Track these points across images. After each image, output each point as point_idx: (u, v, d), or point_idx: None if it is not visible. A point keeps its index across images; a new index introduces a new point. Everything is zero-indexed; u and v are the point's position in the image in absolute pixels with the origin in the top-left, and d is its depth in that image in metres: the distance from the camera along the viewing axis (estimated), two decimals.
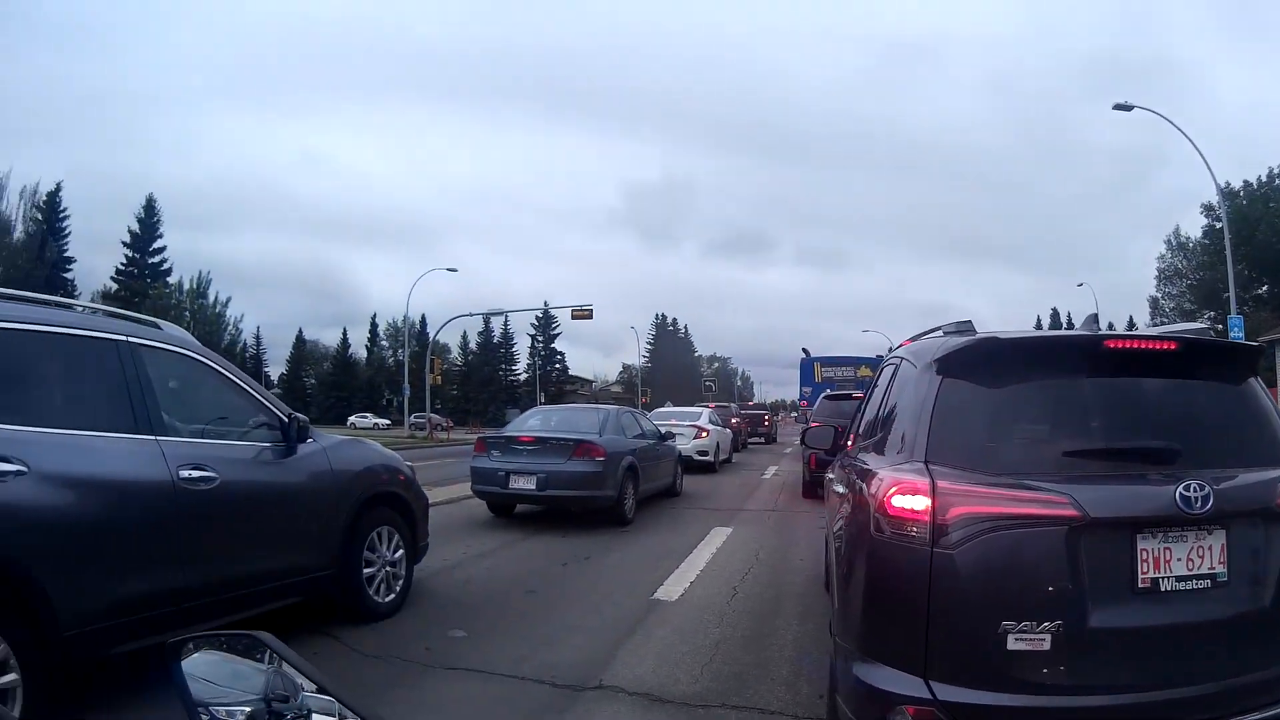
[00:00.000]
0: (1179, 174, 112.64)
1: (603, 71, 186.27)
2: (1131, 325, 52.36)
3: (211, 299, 53.11)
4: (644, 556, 8.10)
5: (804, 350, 26.54)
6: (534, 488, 9.59)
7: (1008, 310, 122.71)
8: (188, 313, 41.88)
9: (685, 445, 17.32)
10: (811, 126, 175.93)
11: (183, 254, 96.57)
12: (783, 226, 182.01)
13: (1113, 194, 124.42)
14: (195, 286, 52.27)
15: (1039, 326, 73.48)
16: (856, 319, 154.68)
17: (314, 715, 1.22)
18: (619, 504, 9.97)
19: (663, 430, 13.22)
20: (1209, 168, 23.94)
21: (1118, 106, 23.74)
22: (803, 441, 13.29)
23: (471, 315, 51.43)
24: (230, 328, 45.41)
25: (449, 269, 50.41)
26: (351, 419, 67.94)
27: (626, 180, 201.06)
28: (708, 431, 18.66)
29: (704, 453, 18.28)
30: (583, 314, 44.83)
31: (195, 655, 1.30)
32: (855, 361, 25.20)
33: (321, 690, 1.25)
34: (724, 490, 14.85)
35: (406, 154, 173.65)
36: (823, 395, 13.35)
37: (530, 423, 11.55)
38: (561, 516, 10.23)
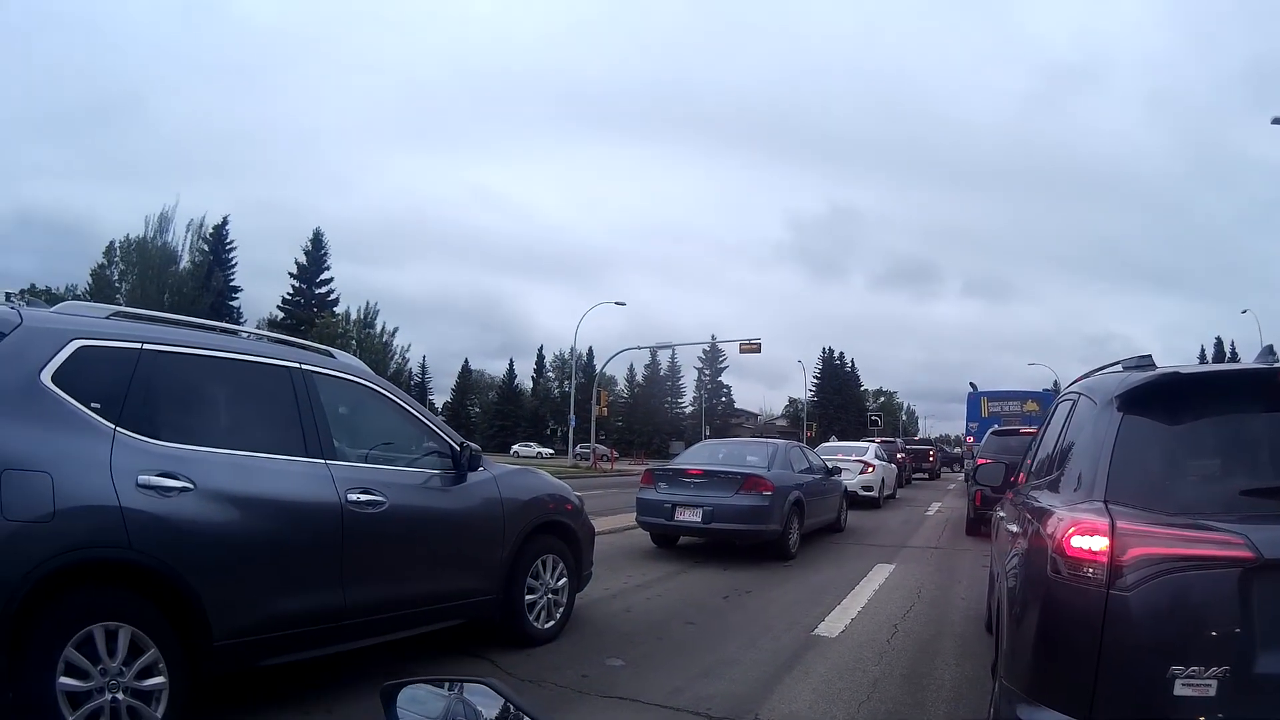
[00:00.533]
0: None
1: (767, 104, 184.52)
2: None
3: (379, 329, 55.51)
4: (805, 591, 8.05)
5: (971, 384, 25.65)
6: (699, 520, 9.70)
7: (1169, 340, 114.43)
8: (354, 341, 43.96)
9: (850, 480, 17.01)
10: (973, 154, 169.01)
11: (352, 285, 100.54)
12: (946, 256, 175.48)
13: (1276, 213, 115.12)
14: (362, 316, 54.80)
15: (1202, 357, 72.89)
16: (1021, 351, 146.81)
17: None
18: (783, 539, 9.94)
19: (829, 465, 13.10)
20: None
21: (1276, 121, 21.91)
22: (971, 478, 12.86)
23: (639, 349, 52.18)
24: (397, 357, 47.44)
25: (617, 303, 50.18)
26: (515, 447, 68.93)
27: (792, 211, 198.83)
28: (873, 467, 18.27)
29: (869, 488, 17.88)
30: (751, 348, 44.78)
31: (408, 692, 1.32)
32: (1022, 396, 24.04)
33: None
34: (888, 526, 14.55)
35: (574, 189, 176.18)
36: (990, 431, 12.90)
37: (698, 456, 11.68)
38: (724, 549, 10.29)
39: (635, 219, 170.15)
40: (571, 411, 49.06)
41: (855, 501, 15.85)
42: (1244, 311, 58.84)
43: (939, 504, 19.49)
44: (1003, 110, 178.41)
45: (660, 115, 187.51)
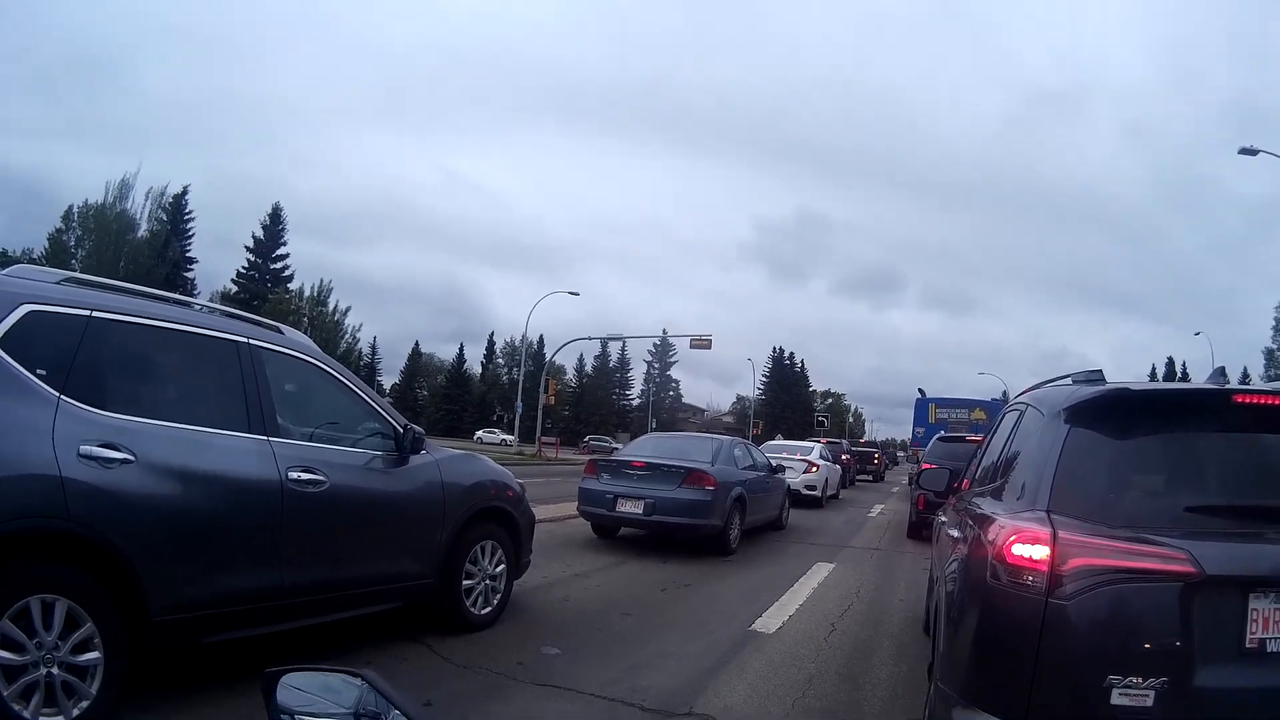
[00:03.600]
0: None
1: (744, 107, 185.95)
2: (1245, 377, 48.74)
3: (331, 307, 54.61)
4: (744, 587, 8.05)
5: (919, 390, 25.83)
6: (641, 512, 9.65)
7: (1124, 359, 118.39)
8: (306, 319, 43.32)
9: (794, 479, 17.12)
10: (947, 170, 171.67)
11: (316, 263, 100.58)
12: (912, 268, 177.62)
13: (1241, 246, 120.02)
14: (315, 294, 53.93)
15: (1153, 376, 75.37)
16: (973, 362, 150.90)
17: None
18: (724, 534, 9.94)
19: (773, 463, 13.15)
20: None
21: (1243, 151, 22.68)
22: (915, 482, 13.01)
23: (590, 339, 51.85)
24: (348, 336, 46.73)
25: (571, 293, 50.11)
26: (479, 434, 68.58)
27: (758, 215, 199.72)
28: (817, 466, 18.42)
29: (812, 488, 18.05)
30: (701, 343, 44.84)
31: (291, 679, 1.31)
32: (970, 404, 24.27)
33: None
34: (829, 526, 14.65)
35: (545, 179, 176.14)
36: (936, 437, 13.03)
37: (643, 448, 11.58)
38: (665, 543, 10.25)
39: (602, 213, 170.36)
40: (519, 398, 48.82)
41: (798, 500, 16.02)
42: (1197, 334, 60.80)
43: (881, 506, 19.75)
44: (980, 129, 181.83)
45: (637, 111, 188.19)
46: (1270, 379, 50.20)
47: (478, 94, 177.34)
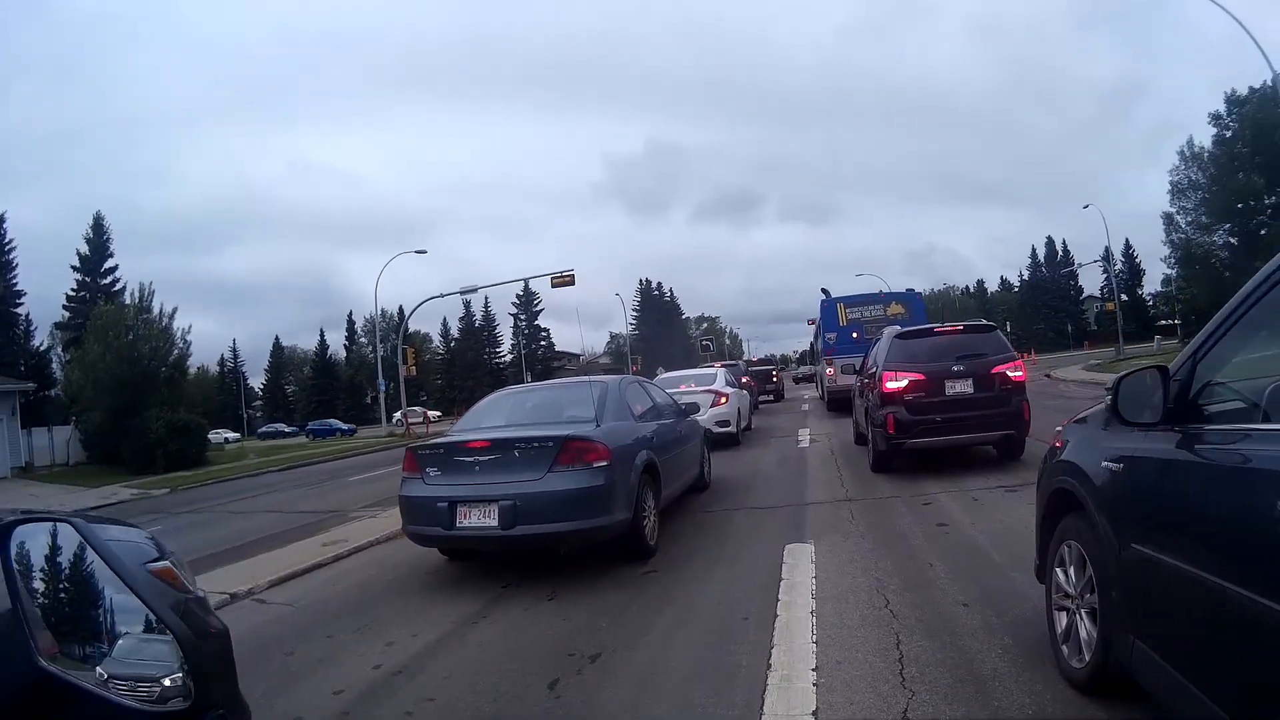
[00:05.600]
0: (1158, 104, 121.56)
1: (583, 51, 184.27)
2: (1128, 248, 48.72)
3: (156, 311, 49.11)
4: (696, 635, 4.51)
5: (824, 291, 22.05)
6: (495, 525, 5.80)
7: (995, 246, 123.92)
8: (128, 327, 37.93)
9: (703, 416, 13.79)
10: (792, 83, 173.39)
11: (172, 274, 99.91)
12: (768, 184, 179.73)
13: (1093, 126, 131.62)
14: (138, 300, 48.31)
15: (1034, 256, 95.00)
16: (844, 269, 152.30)
17: None
18: (635, 529, 6.26)
19: (681, 403, 9.58)
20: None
21: None
22: (860, 395, 10.88)
23: (444, 296, 47.60)
24: (179, 340, 41.41)
25: (418, 251, 48.29)
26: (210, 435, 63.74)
27: (610, 155, 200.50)
28: (726, 396, 14.95)
29: (725, 423, 14.63)
30: (563, 281, 40.98)
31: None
32: (885, 299, 20.69)
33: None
34: (763, 472, 11.18)
35: (394, 153, 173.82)
36: (893, 335, 9.63)
37: (489, 415, 7.62)
38: (547, 556, 6.57)
39: (457, 177, 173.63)
40: (380, 375, 44.57)
41: (712, 441, 12.40)
42: (1086, 206, 62.05)
43: (807, 432, 16.39)
44: (821, 39, 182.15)
45: (478, 70, 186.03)
46: (1171, 243, 51.19)
47: (319, 77, 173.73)
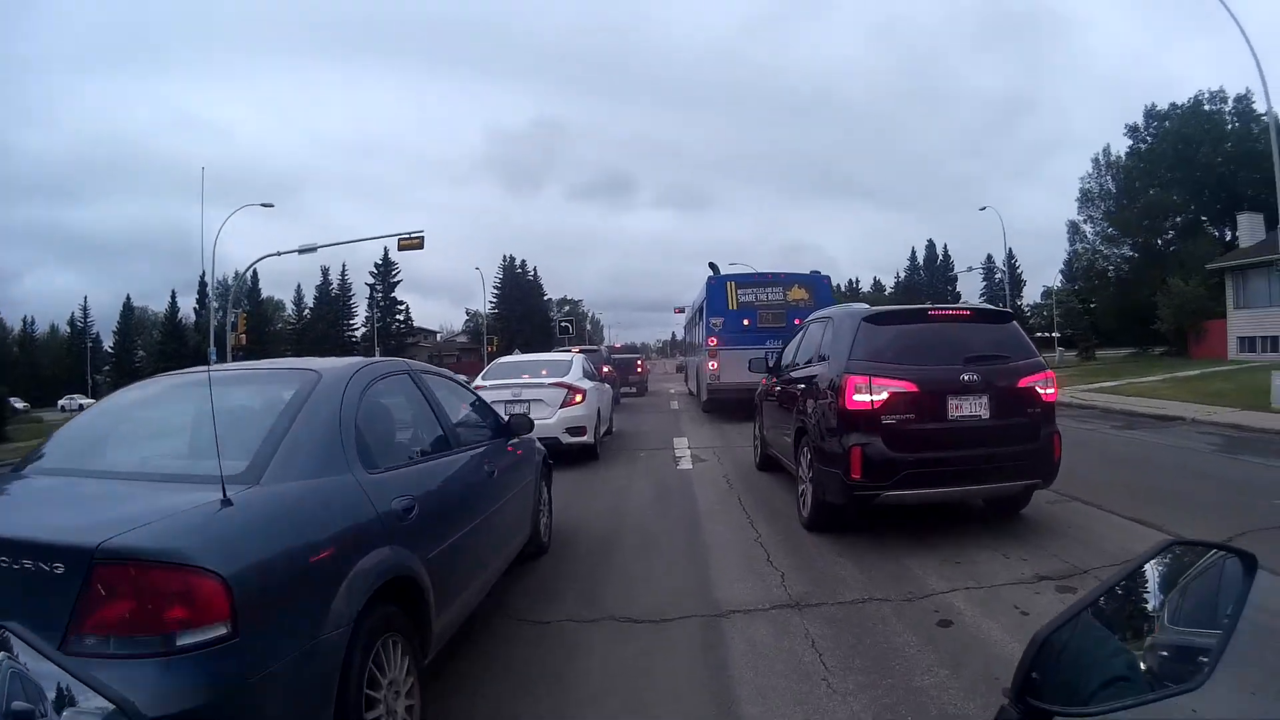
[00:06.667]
0: (1044, 123, 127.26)
1: (477, 20, 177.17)
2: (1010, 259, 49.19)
3: None
4: None
5: (712, 266, 17.86)
6: None
7: (869, 244, 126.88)
8: None
9: (549, 419, 10.14)
10: (683, 72, 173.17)
11: (40, 226, 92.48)
12: (645, 168, 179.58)
13: (981, 137, 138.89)
14: None
15: (913, 258, 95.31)
16: (717, 259, 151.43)
17: None
18: None
19: (510, 410, 6.11)
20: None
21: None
22: (809, 414, 6.97)
23: (280, 254, 41.90)
24: None
25: (264, 204, 43.67)
26: (62, 401, 58.96)
27: (491, 126, 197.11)
28: (582, 393, 11.01)
29: (579, 430, 10.76)
30: (411, 243, 35.92)
31: None
32: (785, 280, 16.83)
33: None
34: (634, 518, 7.34)
35: (264, 109, 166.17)
36: (859, 318, 5.84)
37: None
38: None
39: (333, 139, 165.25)
40: (211, 343, 38.56)
41: (558, 454, 8.54)
42: (983, 209, 63.09)
43: (685, 442, 12.64)
44: (718, 31, 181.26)
45: (366, 34, 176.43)
46: (1075, 252, 53.02)
47: (201, 28, 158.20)
